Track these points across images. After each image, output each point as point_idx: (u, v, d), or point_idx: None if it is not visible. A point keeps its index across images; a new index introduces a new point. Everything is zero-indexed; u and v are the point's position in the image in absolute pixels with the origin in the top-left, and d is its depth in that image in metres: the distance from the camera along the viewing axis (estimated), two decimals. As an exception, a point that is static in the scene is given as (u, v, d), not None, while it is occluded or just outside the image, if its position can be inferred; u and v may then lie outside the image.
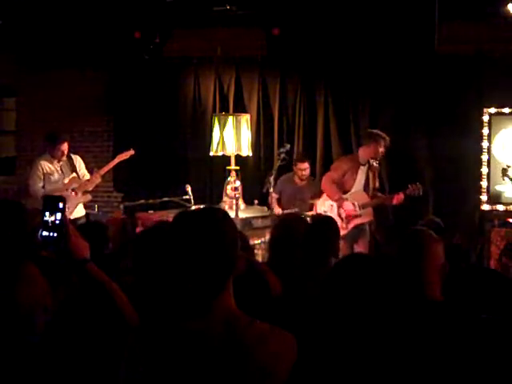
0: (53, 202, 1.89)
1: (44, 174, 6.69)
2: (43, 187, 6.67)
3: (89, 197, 6.89)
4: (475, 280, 2.97)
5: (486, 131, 7.47)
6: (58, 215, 1.87)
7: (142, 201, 7.06)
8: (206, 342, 1.63)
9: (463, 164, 7.45)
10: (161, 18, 7.63)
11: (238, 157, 7.27)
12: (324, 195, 6.83)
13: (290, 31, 7.57)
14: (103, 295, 1.92)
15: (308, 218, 6.61)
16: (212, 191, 8.25)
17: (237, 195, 6.74)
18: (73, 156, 6.92)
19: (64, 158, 6.76)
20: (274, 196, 7.01)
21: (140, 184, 8.23)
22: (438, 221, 4.69)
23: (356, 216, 6.59)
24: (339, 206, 6.60)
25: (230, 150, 7.16)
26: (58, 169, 6.77)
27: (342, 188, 6.67)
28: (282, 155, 6.80)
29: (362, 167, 6.72)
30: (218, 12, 7.39)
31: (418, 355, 2.23)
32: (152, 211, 6.96)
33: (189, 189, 6.71)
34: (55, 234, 1.86)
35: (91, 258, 1.98)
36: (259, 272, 3.11)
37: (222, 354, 1.62)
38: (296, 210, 6.82)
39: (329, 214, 6.36)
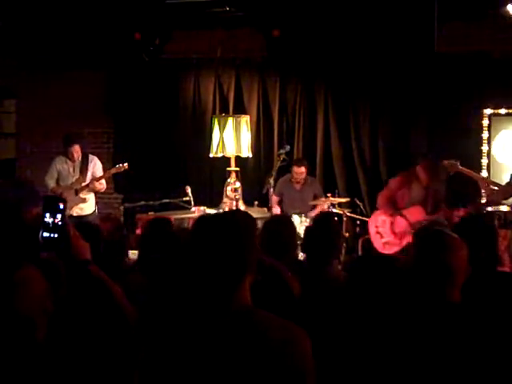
0: (53, 202, 1.89)
1: (58, 172, 7.05)
2: (58, 184, 7.03)
3: (87, 200, 7.06)
4: (491, 283, 2.96)
5: (486, 132, 7.49)
6: (59, 216, 1.87)
7: (142, 202, 7.08)
8: (224, 334, 1.68)
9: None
10: (161, 20, 7.63)
11: (237, 158, 7.27)
12: (377, 211, 6.57)
13: (290, 32, 7.56)
14: (105, 295, 1.93)
15: (309, 219, 6.69)
16: (212, 192, 8.24)
17: (237, 196, 6.75)
18: (90, 157, 7.15)
19: (79, 159, 7.03)
20: (274, 199, 7.02)
21: (140, 185, 8.23)
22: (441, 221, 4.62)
23: (410, 232, 6.04)
24: (392, 222, 6.24)
25: (230, 152, 7.16)
26: (71, 169, 7.05)
27: (396, 205, 6.29)
28: (282, 156, 6.81)
29: (417, 183, 6.24)
30: (217, 13, 7.39)
31: (434, 356, 2.23)
32: (152, 212, 6.97)
33: (189, 190, 6.72)
34: (56, 235, 1.86)
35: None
36: (279, 273, 3.11)
37: (240, 345, 1.66)
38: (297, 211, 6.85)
39: (381, 229, 6.26)
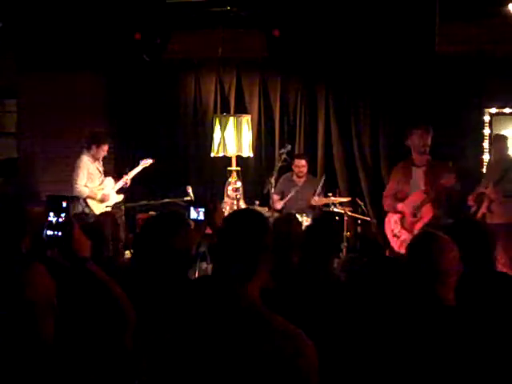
0: (57, 201, 1.92)
1: (88, 174, 6.90)
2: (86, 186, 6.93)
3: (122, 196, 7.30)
4: (485, 283, 2.96)
5: (486, 132, 7.49)
6: (62, 215, 1.90)
7: (144, 202, 7.09)
8: (233, 324, 1.72)
9: (464, 164, 7.45)
10: (161, 20, 7.63)
11: (238, 157, 7.29)
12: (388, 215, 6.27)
13: (291, 32, 7.57)
14: (103, 293, 1.95)
15: (309, 219, 6.70)
16: (213, 192, 8.25)
17: (238, 196, 6.77)
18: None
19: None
20: (275, 198, 7.03)
21: (141, 185, 8.24)
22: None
23: (416, 221, 5.89)
24: (400, 217, 6.01)
25: (231, 151, 7.17)
26: (100, 169, 7.07)
27: (400, 197, 6.04)
28: (283, 156, 6.82)
29: (415, 169, 6.04)
30: (218, 13, 7.39)
31: (428, 360, 2.23)
32: (153, 212, 6.98)
33: (190, 190, 6.72)
34: (60, 233, 1.89)
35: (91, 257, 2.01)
36: None
37: (245, 335, 1.70)
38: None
39: (396, 230, 6.00)
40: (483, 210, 6.27)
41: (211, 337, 1.71)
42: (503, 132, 7.48)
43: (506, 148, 6.60)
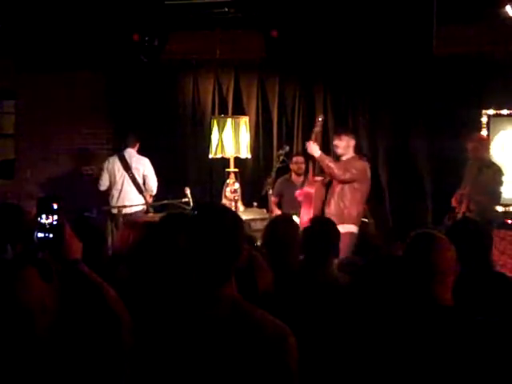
0: (47, 203, 1.91)
1: None
2: None
3: None
4: (482, 283, 2.96)
5: (484, 133, 7.49)
6: (54, 216, 1.89)
7: (141, 203, 7.08)
8: (215, 323, 1.71)
9: (462, 166, 7.44)
10: (159, 21, 7.63)
11: (236, 159, 7.27)
12: None
13: (289, 33, 7.57)
14: (95, 295, 1.94)
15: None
16: (211, 193, 8.24)
17: (236, 197, 6.75)
18: None
19: None
20: (273, 200, 7.03)
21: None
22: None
23: None
24: None
25: (229, 153, 7.16)
26: None
27: None
28: (281, 157, 6.81)
29: None
30: (216, 14, 7.39)
31: (427, 362, 2.22)
32: (151, 213, 6.97)
33: (188, 191, 6.71)
34: (51, 235, 1.88)
35: (89, 259, 2.00)
36: (250, 267, 3.09)
37: (231, 334, 1.70)
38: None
39: None
40: (463, 209, 6.35)
41: (199, 339, 1.71)
42: (501, 133, 7.49)
43: (483, 148, 6.63)
